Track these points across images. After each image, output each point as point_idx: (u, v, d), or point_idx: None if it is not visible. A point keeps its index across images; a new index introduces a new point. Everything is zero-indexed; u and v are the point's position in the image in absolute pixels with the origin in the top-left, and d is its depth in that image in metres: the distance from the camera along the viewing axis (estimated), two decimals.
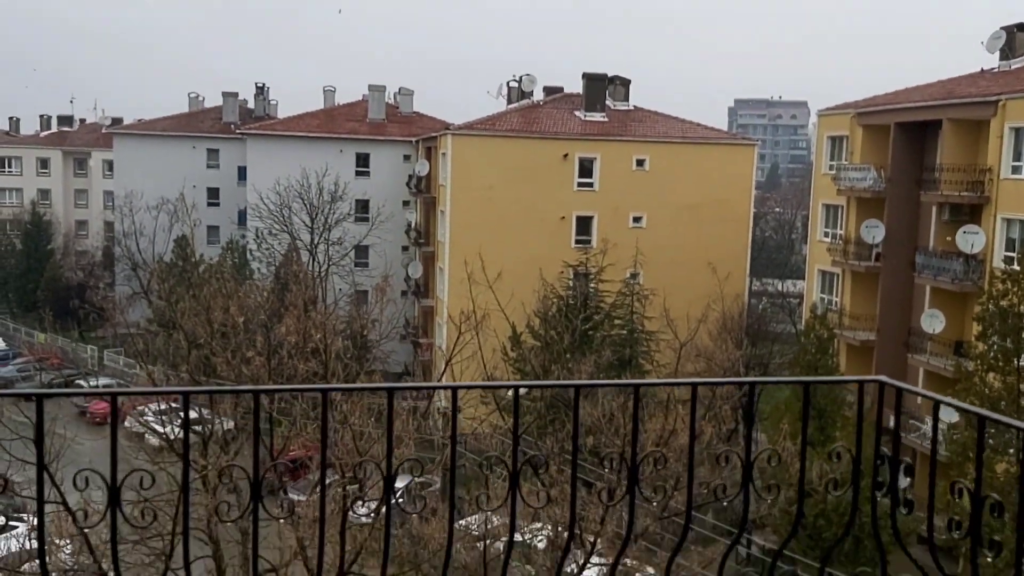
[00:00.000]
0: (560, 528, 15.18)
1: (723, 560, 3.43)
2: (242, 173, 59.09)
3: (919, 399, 2.68)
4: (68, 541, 11.32)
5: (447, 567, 3.36)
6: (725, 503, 3.59)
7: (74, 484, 2.80)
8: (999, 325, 27.14)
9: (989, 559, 2.83)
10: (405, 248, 55.43)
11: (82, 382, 45.19)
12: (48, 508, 11.84)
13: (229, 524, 13.51)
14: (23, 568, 11.29)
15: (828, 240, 39.82)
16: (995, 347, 26.50)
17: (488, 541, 14.41)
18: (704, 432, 14.52)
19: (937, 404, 3.14)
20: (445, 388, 3.17)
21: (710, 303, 24.28)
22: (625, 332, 38.92)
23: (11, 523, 21.22)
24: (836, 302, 38.81)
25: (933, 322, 32.46)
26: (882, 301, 36.51)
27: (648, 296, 36.37)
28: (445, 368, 15.46)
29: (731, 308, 34.53)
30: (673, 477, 12.44)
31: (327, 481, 3.44)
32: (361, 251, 52.75)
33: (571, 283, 39.39)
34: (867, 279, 37.27)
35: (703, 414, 18.36)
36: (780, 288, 61.77)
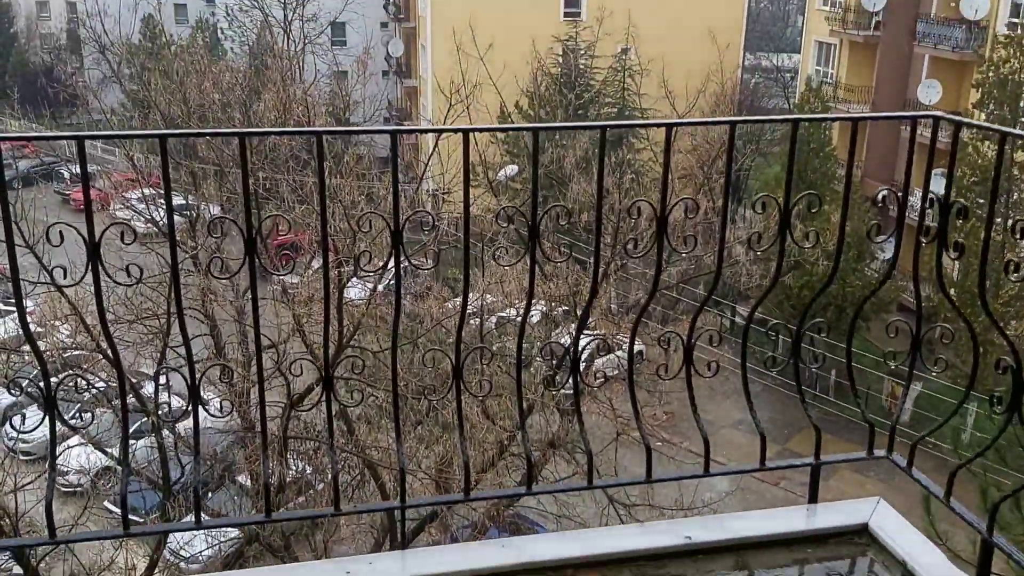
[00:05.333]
0: (554, 304, 15.39)
1: (694, 318, 3.28)
2: None
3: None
4: (64, 321, 11.32)
5: (460, 333, 3.17)
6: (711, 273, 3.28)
7: (47, 238, 2.52)
8: (998, 92, 26.64)
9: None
10: (384, 25, 52.95)
11: (63, 170, 44.24)
12: (40, 290, 11.75)
13: (225, 304, 13.53)
14: (23, 348, 11.34)
15: (827, 8, 38.25)
16: (992, 115, 26.11)
17: (483, 316, 14.60)
18: (699, 207, 14.43)
19: (1004, 136, 2.86)
20: (456, 131, 2.83)
21: (709, 74, 23.42)
22: (616, 110, 38.05)
23: (6, 307, 21.43)
24: (832, 75, 37.84)
25: (930, 92, 31.77)
26: (879, 72, 35.60)
27: (642, 71, 35.21)
28: (435, 145, 15.01)
29: (729, 82, 33.60)
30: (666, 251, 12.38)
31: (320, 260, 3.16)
32: (338, 28, 50.29)
33: (560, 59, 37.99)
34: (865, 50, 36.13)
35: (697, 189, 18.21)
36: (774, 62, 60.00)
